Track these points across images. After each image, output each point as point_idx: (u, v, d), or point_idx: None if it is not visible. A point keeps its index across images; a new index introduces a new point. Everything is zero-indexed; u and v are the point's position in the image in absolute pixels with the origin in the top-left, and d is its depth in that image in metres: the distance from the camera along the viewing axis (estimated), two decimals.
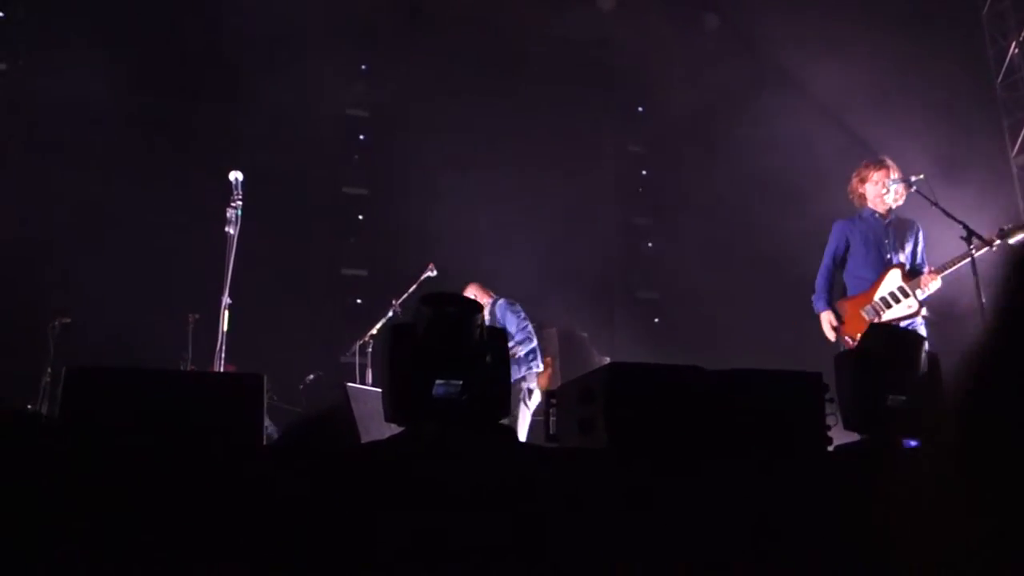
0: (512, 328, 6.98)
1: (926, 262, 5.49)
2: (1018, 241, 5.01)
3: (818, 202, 6.75)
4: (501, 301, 7.15)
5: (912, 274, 5.37)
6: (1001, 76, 10.72)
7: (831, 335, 5.44)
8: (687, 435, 2.49)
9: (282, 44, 8.67)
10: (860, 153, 5.82)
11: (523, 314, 7.14)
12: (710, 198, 10.25)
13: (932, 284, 5.21)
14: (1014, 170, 10.48)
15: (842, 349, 5.41)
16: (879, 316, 5.30)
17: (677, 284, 10.50)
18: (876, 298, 5.36)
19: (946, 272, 5.20)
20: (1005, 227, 5.05)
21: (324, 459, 2.08)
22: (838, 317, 5.50)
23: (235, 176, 4.82)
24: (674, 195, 10.74)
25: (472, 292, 7.25)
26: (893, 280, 5.34)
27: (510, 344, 6.90)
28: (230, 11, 8.30)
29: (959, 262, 5.12)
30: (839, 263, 5.62)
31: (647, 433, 2.45)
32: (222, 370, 4.50)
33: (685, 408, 2.52)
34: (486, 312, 7.09)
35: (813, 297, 5.63)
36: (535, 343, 7.14)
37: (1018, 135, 10.51)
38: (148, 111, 8.15)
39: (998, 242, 4.96)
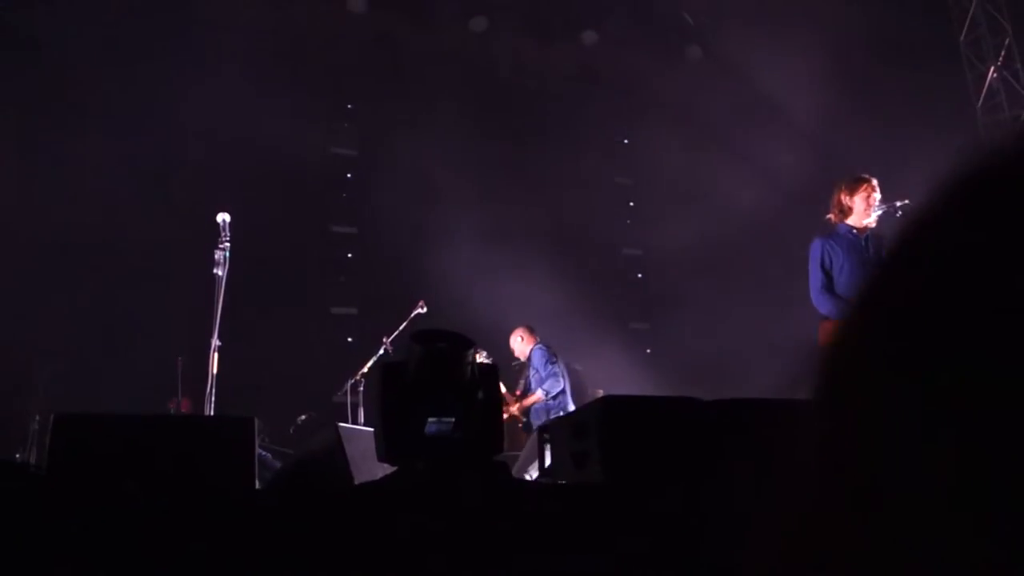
0: (539, 367, 7.46)
1: None
2: None
3: (804, 228, 6.78)
4: (539, 345, 7.62)
5: None
6: (981, 100, 10.87)
7: None
8: (684, 467, 2.47)
9: (267, 84, 8.70)
10: (841, 179, 5.81)
11: (549, 356, 7.56)
12: (698, 227, 10.30)
13: None
14: None
15: None
16: None
17: (668, 315, 10.52)
18: None
19: None
20: None
21: (318, 501, 2.06)
22: (828, 333, 5.46)
23: (222, 218, 4.81)
24: (662, 226, 10.78)
25: (519, 335, 7.73)
26: None
27: (543, 386, 7.26)
28: (216, 54, 8.36)
29: None
30: (828, 276, 5.56)
31: (643, 466, 2.43)
32: (211, 412, 4.46)
33: (681, 440, 2.50)
34: (525, 352, 7.64)
35: (829, 312, 5.49)
36: (562, 385, 7.38)
37: None
38: (132, 150, 8.14)
39: None
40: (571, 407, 7.18)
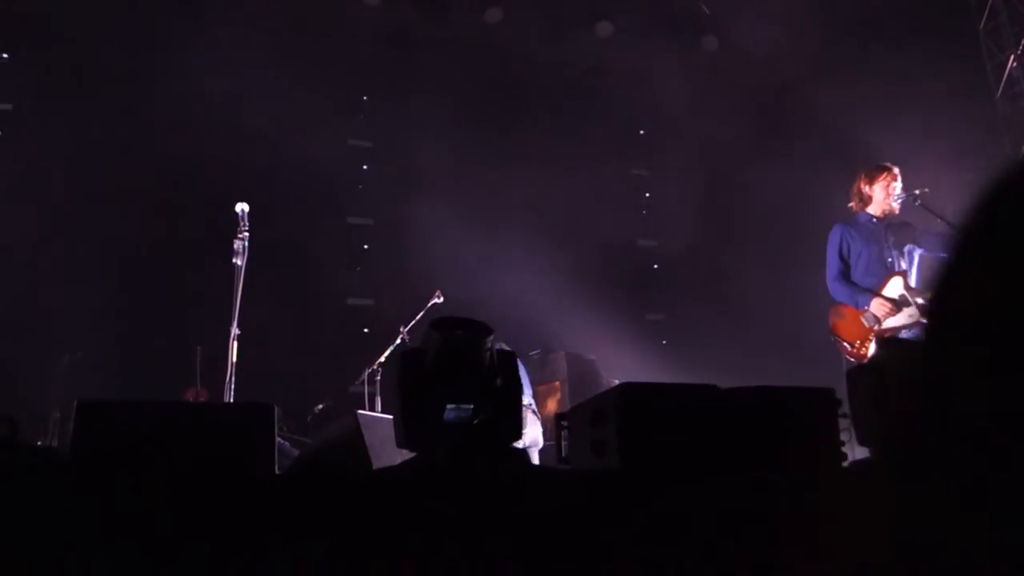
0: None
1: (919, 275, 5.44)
2: None
3: (823, 218, 6.75)
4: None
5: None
6: (1000, 90, 10.76)
7: (888, 314, 5.26)
8: (702, 454, 2.47)
9: (284, 76, 8.73)
10: (860, 168, 5.78)
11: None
12: (715, 219, 10.27)
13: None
14: None
15: (847, 364, 5.38)
16: (879, 324, 5.26)
17: (684, 306, 10.50)
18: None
19: None
20: None
21: (337, 486, 2.07)
22: (840, 317, 5.46)
23: (241, 208, 4.85)
24: (678, 217, 10.74)
25: None
26: (894, 288, 5.30)
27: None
28: (232, 46, 8.39)
29: None
30: (846, 264, 5.56)
31: (661, 453, 2.43)
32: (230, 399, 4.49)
33: (699, 427, 2.50)
34: None
35: (845, 300, 5.47)
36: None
37: (1020, 148, 10.53)
38: (158, 147, 8.19)
39: None
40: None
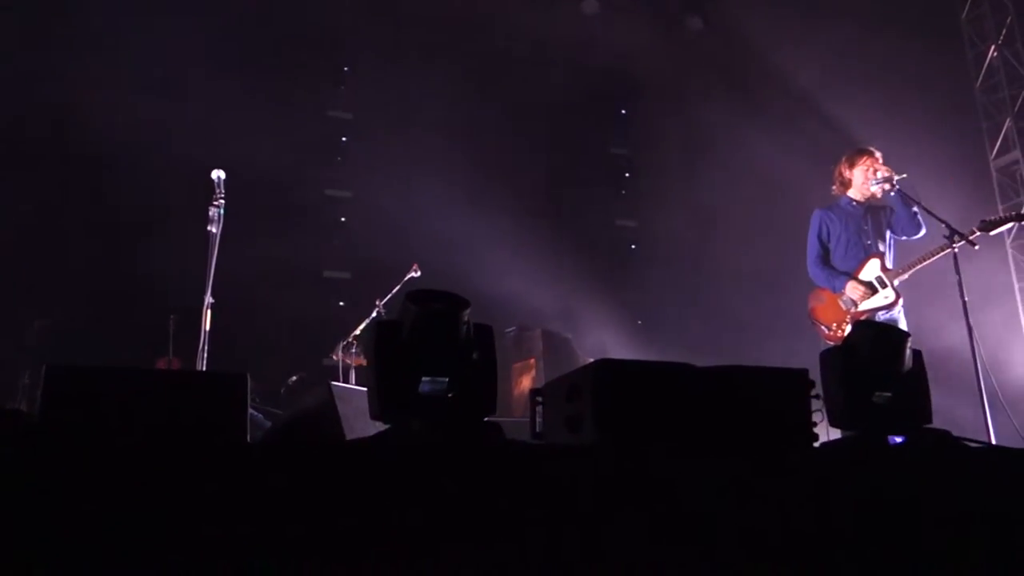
0: None
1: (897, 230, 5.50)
2: (998, 233, 5.13)
3: (802, 201, 6.78)
4: None
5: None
6: (980, 80, 10.83)
7: (863, 297, 5.32)
8: (675, 431, 2.48)
9: (265, 44, 8.62)
10: (843, 152, 5.81)
11: None
12: (694, 200, 10.29)
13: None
14: (993, 172, 10.58)
15: (820, 338, 5.44)
16: (856, 306, 5.31)
17: (660, 286, 10.53)
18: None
19: (921, 266, 5.24)
20: (986, 219, 5.14)
21: (309, 455, 2.06)
22: (818, 301, 5.52)
23: (217, 175, 4.78)
24: (658, 197, 10.75)
25: None
26: (872, 270, 5.36)
27: None
28: (213, 9, 8.26)
29: (931, 257, 5.17)
30: (825, 248, 5.61)
31: (636, 429, 2.44)
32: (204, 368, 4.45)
33: (673, 404, 2.51)
34: None
35: (824, 283, 5.52)
36: None
37: (997, 138, 10.61)
38: (132, 110, 8.06)
39: (978, 234, 5.04)
40: None
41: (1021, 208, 10.16)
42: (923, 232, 5.38)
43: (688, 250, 10.32)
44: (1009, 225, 5.29)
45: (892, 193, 5.35)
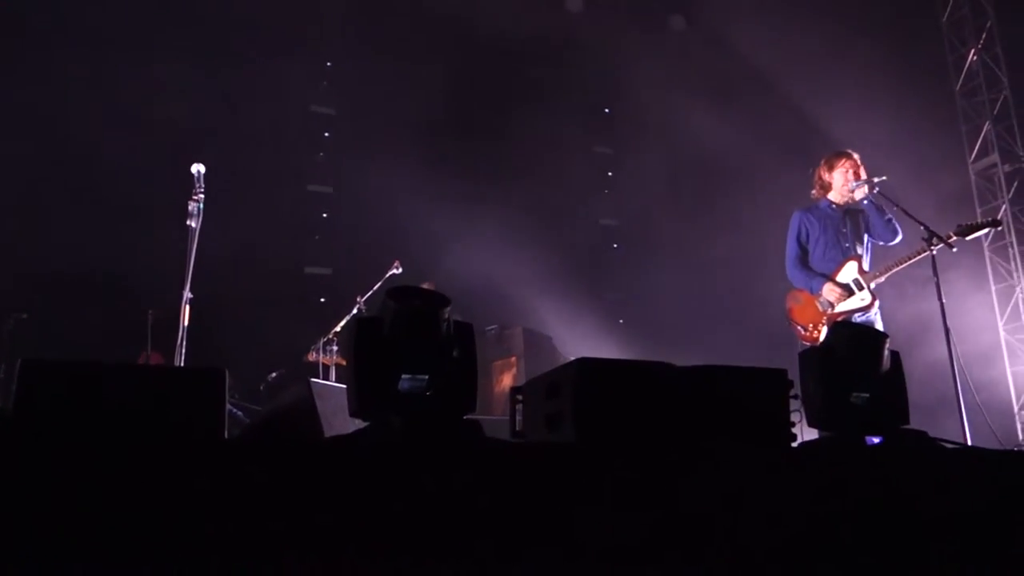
0: None
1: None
2: (974, 238, 5.17)
3: (782, 201, 6.81)
4: None
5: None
6: (960, 83, 10.92)
7: (840, 299, 5.35)
8: (655, 430, 2.48)
9: (248, 38, 8.56)
10: (824, 153, 5.84)
11: None
12: (676, 199, 10.32)
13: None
14: (972, 175, 10.68)
15: (800, 346, 5.46)
16: (832, 308, 5.35)
17: (642, 285, 10.56)
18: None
19: (898, 269, 5.28)
20: (962, 224, 5.18)
21: (287, 452, 2.04)
22: (796, 302, 5.55)
23: (197, 169, 4.75)
24: (640, 197, 10.78)
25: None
26: (849, 272, 5.40)
27: None
28: (195, 5, 8.21)
29: (908, 260, 5.22)
30: (804, 250, 5.64)
31: (615, 428, 2.44)
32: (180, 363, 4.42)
33: (653, 403, 2.51)
34: None
35: (801, 285, 5.55)
36: None
37: (976, 141, 10.71)
38: (112, 104, 7.98)
39: (955, 238, 5.08)
40: None
41: (999, 211, 10.28)
42: (899, 238, 5.42)
43: (670, 250, 10.35)
44: (985, 231, 5.34)
45: (867, 200, 5.38)
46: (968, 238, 5.16)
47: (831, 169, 5.63)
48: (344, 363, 6.27)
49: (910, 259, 5.21)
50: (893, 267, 5.29)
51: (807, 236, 5.64)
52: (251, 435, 4.27)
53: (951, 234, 5.08)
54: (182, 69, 8.29)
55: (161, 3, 8.47)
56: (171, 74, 8.31)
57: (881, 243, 5.53)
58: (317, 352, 7.30)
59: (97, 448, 1.92)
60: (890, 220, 5.39)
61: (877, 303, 5.32)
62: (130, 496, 1.84)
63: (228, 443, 2.37)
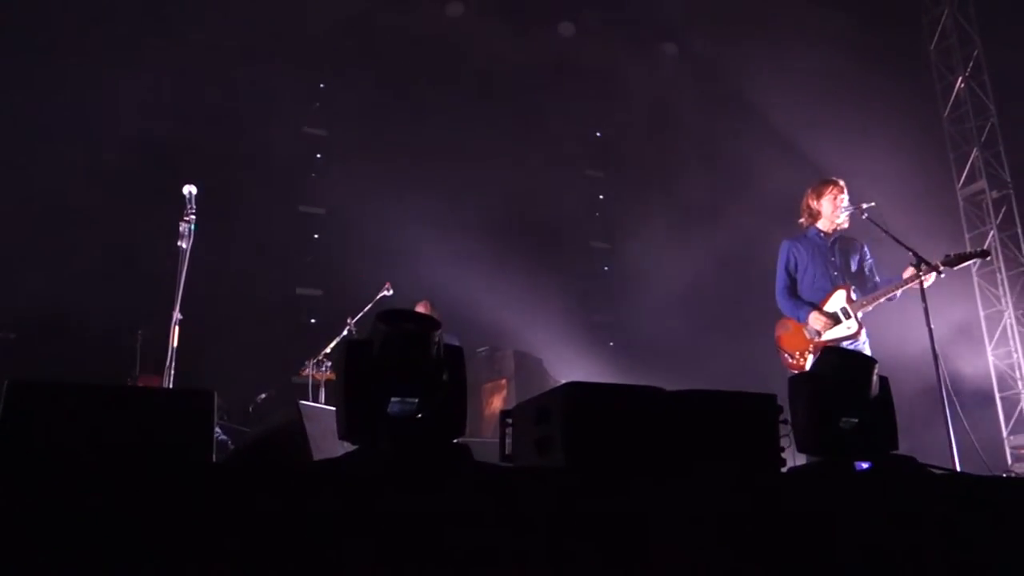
0: None
1: (876, 274, 5.58)
2: (962, 267, 5.20)
3: (772, 228, 6.85)
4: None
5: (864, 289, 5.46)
6: (948, 110, 11.03)
7: (826, 327, 5.38)
8: (644, 454, 2.48)
9: (241, 60, 8.59)
10: (812, 181, 5.87)
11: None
12: (667, 223, 10.36)
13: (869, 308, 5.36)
14: (960, 201, 10.76)
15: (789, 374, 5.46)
16: (819, 336, 5.37)
17: (633, 308, 10.57)
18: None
19: (885, 298, 5.30)
20: (950, 254, 5.20)
21: (276, 476, 2.03)
22: (784, 330, 5.57)
23: (189, 190, 4.75)
24: (631, 220, 10.82)
25: (422, 310, 7.32)
26: (837, 301, 5.42)
27: None
28: (189, 21, 8.24)
29: (897, 289, 5.24)
30: (793, 279, 5.67)
31: (605, 452, 2.43)
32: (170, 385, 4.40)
33: (642, 428, 2.51)
34: None
35: (790, 313, 5.58)
36: None
37: (964, 167, 10.80)
38: (104, 126, 7.97)
39: (944, 268, 5.10)
40: None
41: (987, 237, 10.36)
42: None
43: (661, 273, 10.38)
44: (973, 261, 5.37)
45: (863, 217, 5.41)
46: (956, 268, 5.19)
47: (819, 197, 5.66)
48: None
49: (898, 288, 5.24)
50: (881, 296, 5.31)
51: (795, 265, 5.68)
52: (240, 457, 4.25)
53: (939, 264, 5.11)
54: (174, 89, 8.31)
55: (153, 23, 8.49)
56: (163, 94, 8.32)
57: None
58: (307, 371, 7.26)
59: (82, 471, 1.90)
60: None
61: (864, 331, 5.33)
62: (114, 520, 1.82)
63: (215, 467, 2.36)
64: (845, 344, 5.30)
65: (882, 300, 5.32)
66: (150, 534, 1.82)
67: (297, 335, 9.03)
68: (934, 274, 5.07)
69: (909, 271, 5.15)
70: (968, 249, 5.48)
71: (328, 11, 9.87)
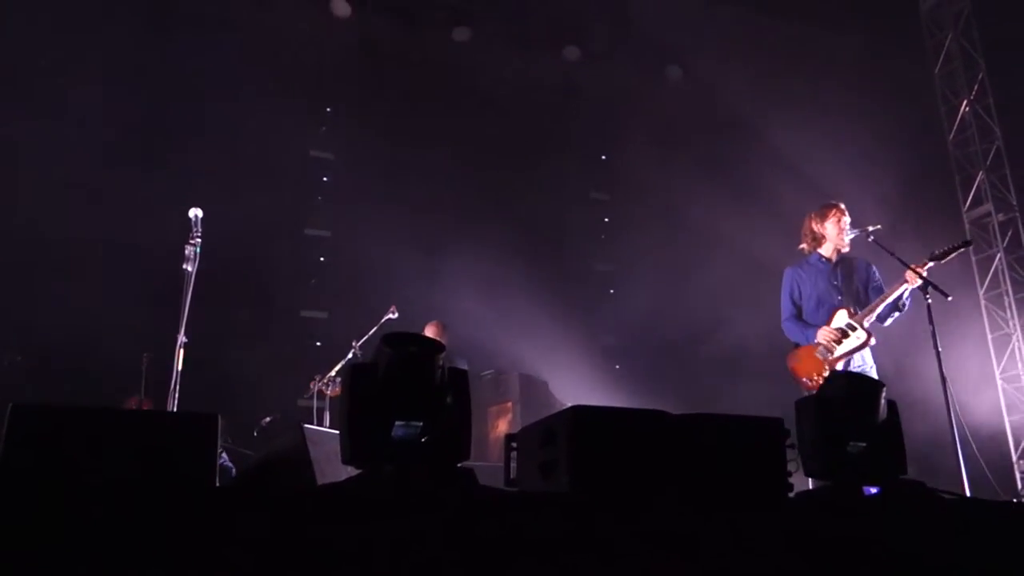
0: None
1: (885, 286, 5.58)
2: (949, 260, 5.25)
3: (776, 250, 6.83)
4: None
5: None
6: (953, 133, 11.04)
7: (836, 340, 5.36)
8: (650, 479, 2.46)
9: (248, 83, 8.64)
10: (818, 204, 5.87)
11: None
12: (671, 246, 10.35)
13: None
14: (966, 224, 10.74)
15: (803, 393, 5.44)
16: (831, 353, 5.34)
17: (638, 331, 10.54)
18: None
19: (883, 305, 5.30)
20: (935, 251, 5.26)
21: (279, 500, 2.02)
22: (796, 360, 5.55)
23: (195, 213, 4.76)
24: (636, 243, 10.81)
25: (431, 331, 7.32)
26: (840, 319, 5.42)
27: None
28: (196, 48, 8.29)
29: (892, 294, 5.26)
30: (797, 307, 5.66)
31: (609, 476, 2.41)
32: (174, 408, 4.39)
33: (648, 452, 2.49)
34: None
35: (797, 339, 5.57)
36: None
37: (970, 190, 10.79)
38: (107, 144, 8.01)
39: (931, 264, 5.15)
40: None
41: (994, 260, 10.33)
42: (906, 310, 5.45)
43: (666, 296, 10.35)
44: (959, 251, 5.37)
45: (869, 239, 5.42)
46: (943, 261, 5.23)
47: (823, 220, 5.66)
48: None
49: (892, 292, 5.26)
50: (878, 305, 5.32)
51: (799, 293, 5.68)
52: (244, 481, 4.23)
53: (926, 261, 5.16)
54: (181, 111, 8.35)
55: (161, 45, 8.55)
56: (168, 117, 8.37)
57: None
58: (317, 384, 7.24)
59: (85, 495, 1.89)
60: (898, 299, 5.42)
61: (872, 340, 5.32)
62: (116, 544, 1.81)
63: (218, 491, 2.34)
64: (856, 357, 5.32)
65: (880, 308, 5.31)
66: (151, 559, 1.81)
67: (302, 358, 9.02)
68: (925, 270, 5.11)
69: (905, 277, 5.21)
70: (974, 270, 5.49)
71: (335, 36, 9.95)
